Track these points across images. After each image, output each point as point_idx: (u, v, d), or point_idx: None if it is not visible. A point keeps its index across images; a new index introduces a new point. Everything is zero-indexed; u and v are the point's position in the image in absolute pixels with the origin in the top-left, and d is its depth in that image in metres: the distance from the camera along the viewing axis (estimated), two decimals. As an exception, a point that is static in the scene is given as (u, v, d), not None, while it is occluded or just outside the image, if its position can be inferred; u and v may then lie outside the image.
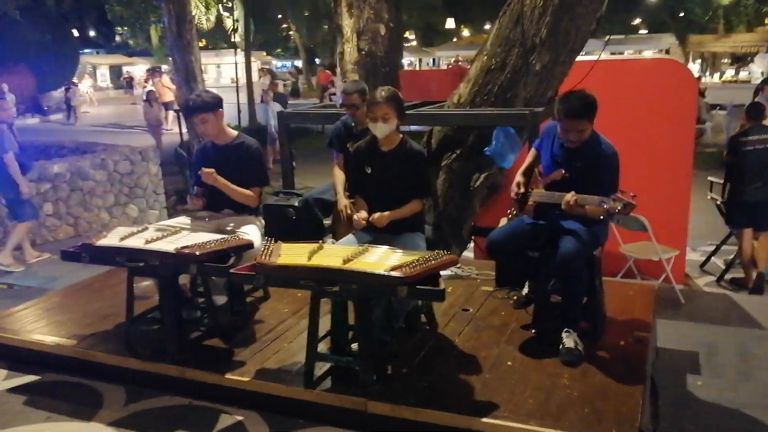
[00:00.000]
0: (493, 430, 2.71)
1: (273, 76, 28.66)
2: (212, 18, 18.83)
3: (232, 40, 19.65)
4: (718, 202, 6.49)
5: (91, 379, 3.54)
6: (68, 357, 3.63)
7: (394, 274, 2.79)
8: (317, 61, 37.62)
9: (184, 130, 10.01)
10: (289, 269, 3.01)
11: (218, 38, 25.42)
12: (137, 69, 37.66)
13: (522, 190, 3.67)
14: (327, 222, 4.77)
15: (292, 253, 3.14)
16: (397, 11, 5.97)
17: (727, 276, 6.44)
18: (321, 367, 3.23)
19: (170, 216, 9.38)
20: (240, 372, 3.27)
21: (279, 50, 43.29)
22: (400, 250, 3.12)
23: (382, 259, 3.02)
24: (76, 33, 28.31)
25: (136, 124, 20.37)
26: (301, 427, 3.07)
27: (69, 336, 3.75)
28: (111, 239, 3.51)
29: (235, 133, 3.95)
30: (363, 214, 3.54)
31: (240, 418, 3.17)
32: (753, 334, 4.71)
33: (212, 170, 3.80)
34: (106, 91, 37.84)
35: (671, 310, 5.30)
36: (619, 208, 3.07)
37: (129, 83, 32.51)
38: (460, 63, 25.93)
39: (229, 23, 19.76)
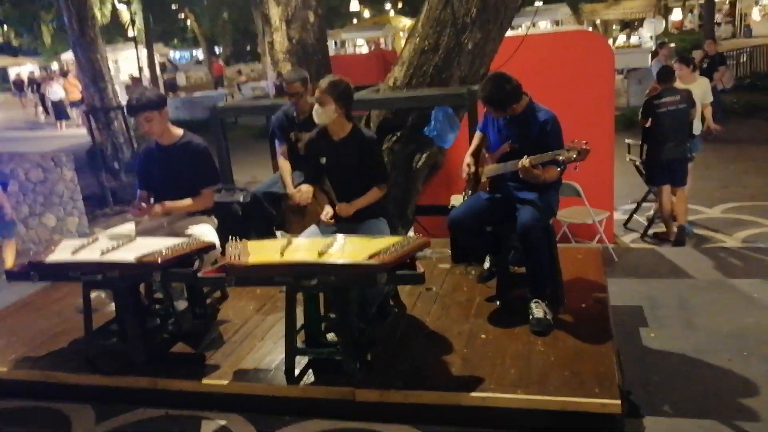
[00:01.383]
0: (483, 403, 2.79)
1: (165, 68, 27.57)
2: (107, 12, 17.89)
3: (130, 34, 18.78)
4: (637, 163, 6.86)
5: (54, 402, 3.37)
6: (27, 381, 3.43)
7: (372, 262, 2.81)
8: (217, 50, 36.50)
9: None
10: (264, 267, 2.96)
11: (114, 32, 24.12)
12: (24, 70, 35.09)
13: (473, 169, 3.77)
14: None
15: (262, 251, 3.09)
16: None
17: (650, 231, 6.86)
18: (299, 362, 3.22)
19: (90, 222, 8.95)
20: (217, 375, 3.20)
21: (176, 41, 41.65)
22: (372, 237, 3.14)
23: (356, 247, 3.02)
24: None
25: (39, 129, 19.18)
26: (287, 424, 3.06)
27: (22, 359, 3.54)
28: (62, 254, 3.32)
29: (180, 131, 3.80)
30: (329, 211, 3.55)
31: (223, 422, 3.11)
32: (686, 283, 5.04)
33: (155, 205, 3.69)
34: (-8, 95, 35.21)
35: (607, 268, 5.58)
36: (574, 156, 3.20)
37: (20, 86, 29.76)
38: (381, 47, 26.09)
39: (125, 16, 18.86)
